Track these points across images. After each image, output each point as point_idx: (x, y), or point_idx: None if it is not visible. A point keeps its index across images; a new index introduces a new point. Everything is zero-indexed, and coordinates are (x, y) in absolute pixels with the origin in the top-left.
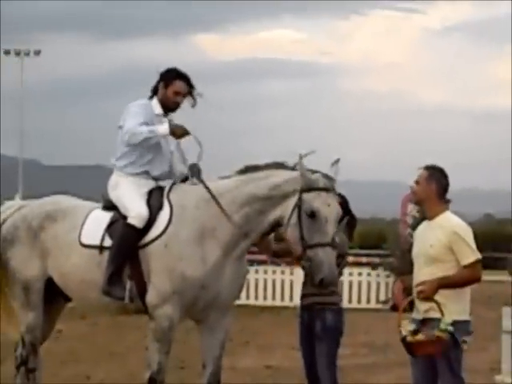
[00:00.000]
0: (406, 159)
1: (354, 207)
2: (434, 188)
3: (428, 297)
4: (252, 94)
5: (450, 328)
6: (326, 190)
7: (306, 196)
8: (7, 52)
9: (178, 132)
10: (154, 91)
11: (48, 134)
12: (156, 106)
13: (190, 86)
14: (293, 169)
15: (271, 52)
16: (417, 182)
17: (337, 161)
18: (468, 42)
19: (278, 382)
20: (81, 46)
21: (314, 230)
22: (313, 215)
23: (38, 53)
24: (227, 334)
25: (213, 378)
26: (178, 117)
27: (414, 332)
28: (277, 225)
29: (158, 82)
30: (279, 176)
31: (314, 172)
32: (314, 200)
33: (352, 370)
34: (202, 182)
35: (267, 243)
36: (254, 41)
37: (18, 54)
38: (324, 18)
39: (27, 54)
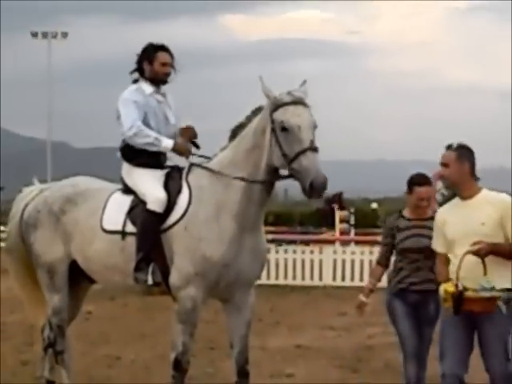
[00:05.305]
0: (435, 138)
1: (385, 186)
2: (467, 168)
3: (480, 252)
4: (279, 75)
5: (504, 295)
6: (292, 103)
7: (275, 114)
8: (34, 34)
9: (182, 150)
10: (140, 73)
11: (76, 116)
12: (146, 86)
13: (171, 56)
14: None
15: (299, 32)
16: (445, 165)
17: (304, 82)
18: (494, 20)
19: (308, 361)
20: (108, 28)
21: (290, 142)
22: (285, 128)
23: (65, 35)
24: (253, 312)
25: (240, 357)
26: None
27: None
28: (273, 170)
29: (140, 62)
30: (257, 117)
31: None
32: (282, 115)
33: (383, 348)
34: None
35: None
36: (281, 21)
37: (45, 36)
38: None
39: (54, 37)
